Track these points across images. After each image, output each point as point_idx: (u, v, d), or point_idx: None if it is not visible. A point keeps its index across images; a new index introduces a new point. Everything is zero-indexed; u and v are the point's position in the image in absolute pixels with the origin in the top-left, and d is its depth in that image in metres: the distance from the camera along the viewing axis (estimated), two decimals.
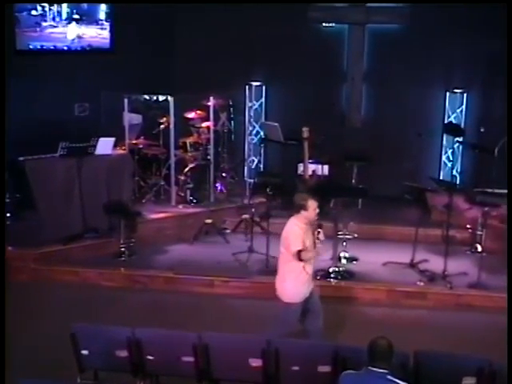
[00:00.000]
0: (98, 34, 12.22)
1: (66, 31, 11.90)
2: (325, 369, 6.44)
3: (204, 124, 12.25)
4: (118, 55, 12.21)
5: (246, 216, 11.45)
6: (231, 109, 13.13)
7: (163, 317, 8.80)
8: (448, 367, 6.32)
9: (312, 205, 7.35)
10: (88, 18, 12.12)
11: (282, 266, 7.58)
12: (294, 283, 7.48)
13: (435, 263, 10.26)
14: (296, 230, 7.37)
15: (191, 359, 6.59)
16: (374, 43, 13.00)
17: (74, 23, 11.93)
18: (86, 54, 12.10)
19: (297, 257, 7.29)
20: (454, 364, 6.38)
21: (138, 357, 6.66)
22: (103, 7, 12.22)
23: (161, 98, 11.89)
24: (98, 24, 12.22)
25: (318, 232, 7.44)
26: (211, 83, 12.37)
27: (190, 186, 12.00)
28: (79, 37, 12.01)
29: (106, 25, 12.29)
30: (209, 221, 11.51)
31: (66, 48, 11.94)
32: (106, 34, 12.30)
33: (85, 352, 6.71)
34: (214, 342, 6.61)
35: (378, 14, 12.78)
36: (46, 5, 11.54)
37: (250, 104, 13.46)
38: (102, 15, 12.24)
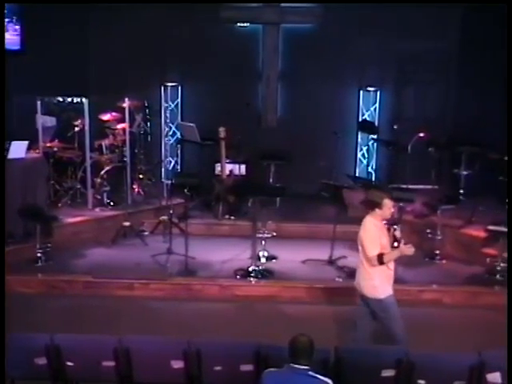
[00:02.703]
0: None
1: None
2: (247, 368, 6.45)
3: (119, 126, 12.12)
4: (29, 56, 11.96)
5: (164, 217, 11.38)
6: (147, 110, 13.06)
7: (83, 322, 8.67)
8: (368, 361, 6.43)
9: (387, 204, 7.27)
10: None
11: (364, 264, 7.44)
12: (380, 279, 7.34)
13: (353, 259, 10.29)
14: (372, 232, 7.29)
15: (112, 363, 6.50)
16: (288, 43, 13.13)
17: None
18: None
19: (377, 261, 7.18)
20: (374, 357, 6.49)
21: (58, 364, 6.54)
22: None
23: (75, 99, 11.70)
24: None
25: (395, 229, 7.37)
26: (126, 84, 12.29)
27: (107, 188, 11.86)
28: None
29: None
30: (127, 223, 11.40)
31: None
32: None
33: None
34: (135, 345, 6.54)
35: (291, 13, 12.92)
36: None
37: (165, 105, 13.41)
38: None
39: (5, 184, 10.20)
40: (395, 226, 7.41)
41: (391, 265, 7.41)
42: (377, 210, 7.31)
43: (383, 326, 7.48)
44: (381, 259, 7.19)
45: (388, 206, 7.29)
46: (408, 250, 7.26)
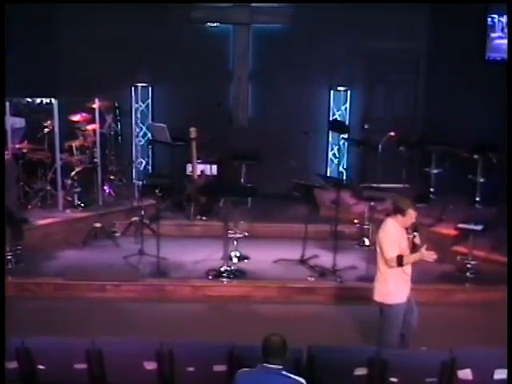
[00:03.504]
0: None
1: None
2: (220, 368, 6.46)
3: (90, 126, 12.04)
4: None
5: (135, 218, 11.32)
6: (117, 110, 12.99)
7: (55, 324, 8.60)
8: (340, 360, 6.46)
9: (410, 213, 7.27)
10: None
11: (380, 267, 7.46)
12: (395, 284, 7.39)
13: (325, 258, 10.43)
14: (391, 234, 7.31)
15: (84, 366, 6.47)
16: (259, 43, 13.12)
17: None
18: None
19: (396, 262, 7.21)
20: (346, 356, 6.53)
21: (29, 367, 6.49)
22: None
23: (44, 100, 11.61)
24: None
25: (414, 236, 7.41)
26: (96, 85, 12.21)
27: (78, 189, 11.78)
28: None
29: None
30: (98, 224, 11.33)
31: None
32: None
33: None
34: (107, 346, 6.51)
35: (261, 14, 12.92)
36: None
37: (136, 105, 13.33)
38: None
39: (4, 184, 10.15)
40: (415, 233, 7.45)
41: (408, 270, 7.44)
42: (399, 215, 7.32)
43: (381, 332, 7.53)
44: (400, 261, 7.22)
45: (410, 216, 7.30)
46: (430, 255, 7.32)
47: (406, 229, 7.44)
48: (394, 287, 7.40)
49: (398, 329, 7.46)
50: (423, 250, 7.30)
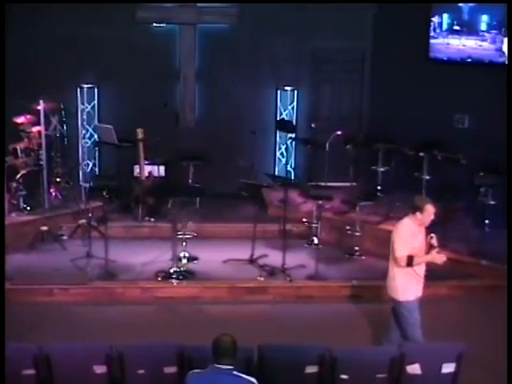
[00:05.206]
0: None
1: None
2: (171, 370, 6.43)
3: (35, 129, 11.87)
4: None
5: (82, 221, 11.22)
6: (63, 112, 12.82)
7: None
8: (291, 358, 6.47)
9: (429, 210, 7.26)
10: None
11: (390, 263, 7.51)
12: (404, 281, 7.40)
13: (274, 257, 10.46)
14: (403, 232, 7.34)
15: (32, 372, 6.38)
16: (205, 43, 13.09)
17: None
18: None
19: (405, 262, 7.23)
20: (297, 355, 6.54)
21: None
22: None
23: None
24: None
25: (431, 237, 7.36)
26: (40, 86, 12.03)
27: (23, 192, 11.60)
28: None
29: None
30: (44, 228, 11.19)
31: None
32: None
33: None
34: (56, 352, 6.42)
35: (207, 14, 12.90)
36: None
37: (82, 107, 13.18)
38: None
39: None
40: (432, 235, 7.44)
41: (420, 271, 7.46)
42: (417, 213, 7.32)
43: (402, 330, 7.55)
44: (410, 261, 7.25)
45: (429, 212, 7.32)
46: (440, 257, 7.37)
47: (426, 228, 7.48)
48: (401, 284, 7.45)
49: (417, 324, 7.46)
50: (434, 252, 7.35)
